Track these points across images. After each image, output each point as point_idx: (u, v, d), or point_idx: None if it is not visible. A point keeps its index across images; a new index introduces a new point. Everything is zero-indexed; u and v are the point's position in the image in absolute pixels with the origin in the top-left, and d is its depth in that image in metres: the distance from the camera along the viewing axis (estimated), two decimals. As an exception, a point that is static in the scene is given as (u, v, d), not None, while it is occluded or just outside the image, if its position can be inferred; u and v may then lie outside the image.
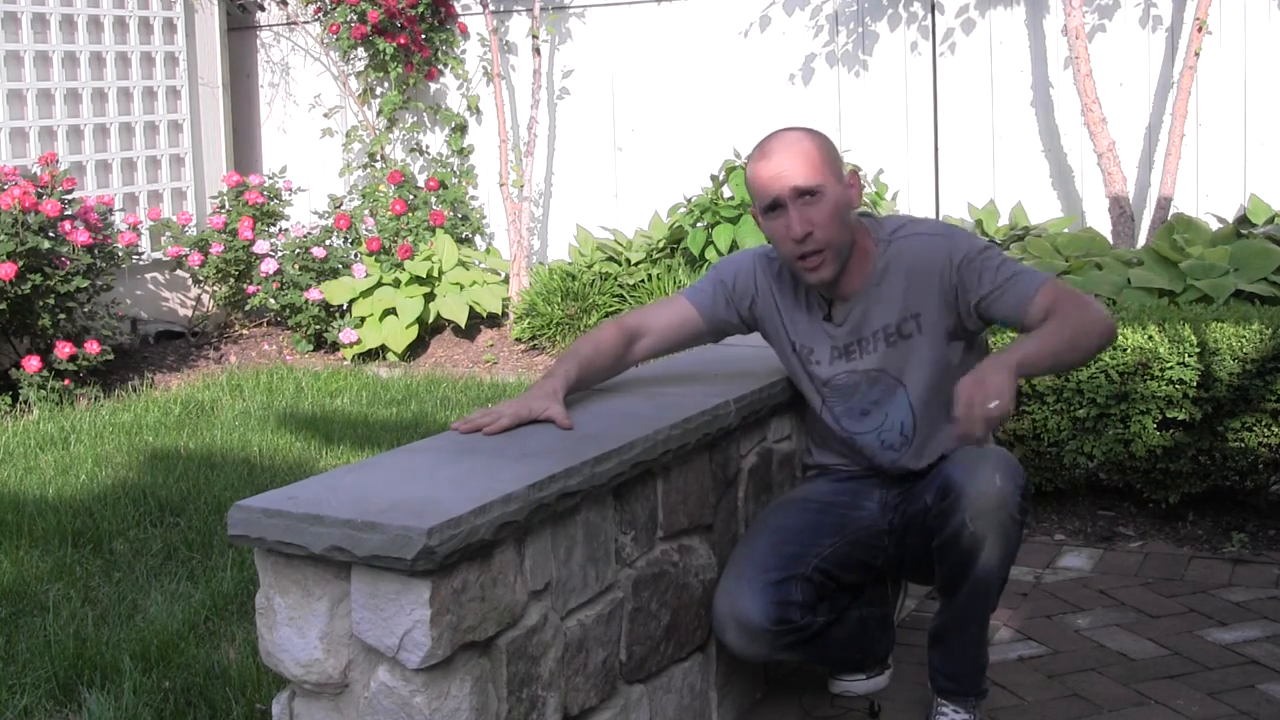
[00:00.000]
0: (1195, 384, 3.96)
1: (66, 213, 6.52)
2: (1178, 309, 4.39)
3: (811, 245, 2.72)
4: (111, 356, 6.76)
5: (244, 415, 6.06)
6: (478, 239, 8.13)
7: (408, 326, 7.32)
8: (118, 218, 7.34)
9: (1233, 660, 3.20)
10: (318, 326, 7.56)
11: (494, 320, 7.63)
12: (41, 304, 6.39)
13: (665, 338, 2.95)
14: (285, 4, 8.58)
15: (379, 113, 8.24)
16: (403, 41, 7.86)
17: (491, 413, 2.60)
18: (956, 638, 2.78)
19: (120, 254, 7.05)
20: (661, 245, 7.18)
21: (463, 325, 7.40)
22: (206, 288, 8.04)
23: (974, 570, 2.66)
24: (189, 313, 8.11)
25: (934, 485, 2.73)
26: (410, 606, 2.04)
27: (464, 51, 8.20)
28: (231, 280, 7.84)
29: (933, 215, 6.92)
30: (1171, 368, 3.97)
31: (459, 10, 8.15)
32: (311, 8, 8.28)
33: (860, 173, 2.45)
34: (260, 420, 5.95)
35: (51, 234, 6.45)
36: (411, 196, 7.93)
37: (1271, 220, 6.04)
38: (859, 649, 3.01)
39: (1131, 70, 6.63)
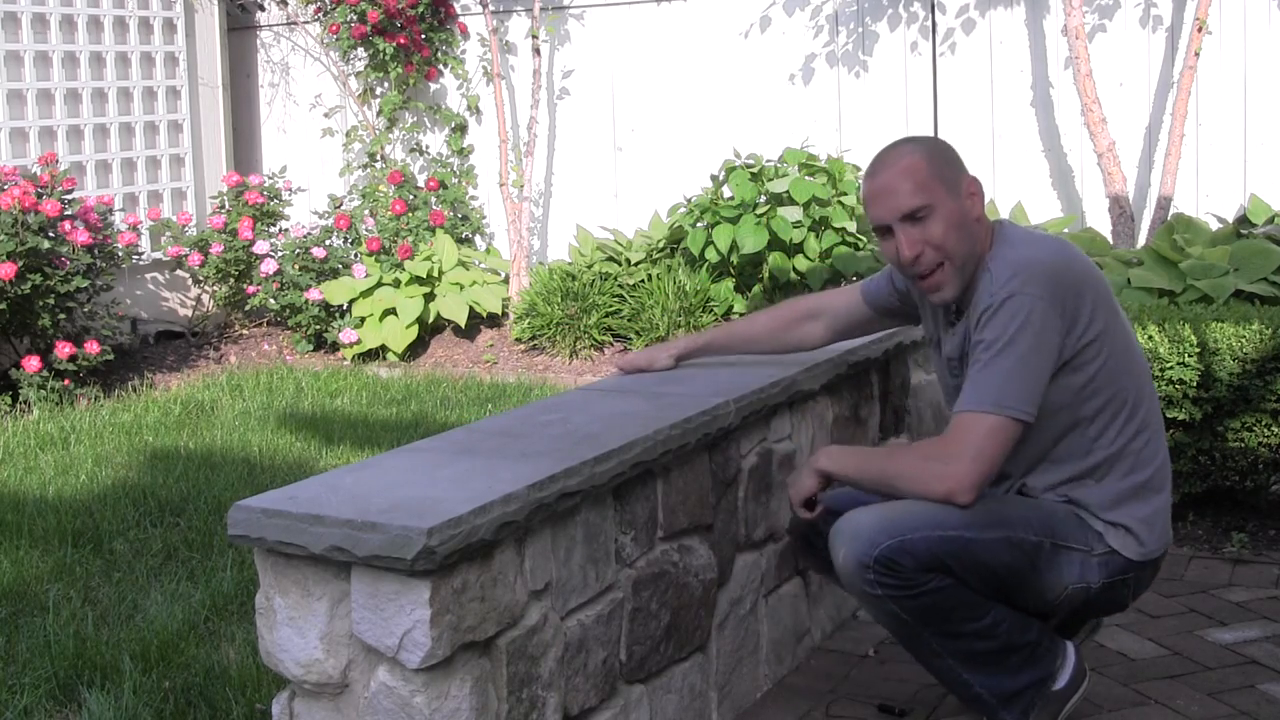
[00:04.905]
0: (1195, 384, 3.96)
1: (66, 213, 6.52)
2: (1178, 309, 4.38)
3: (923, 266, 2.60)
4: (111, 356, 6.76)
5: (244, 415, 6.06)
6: (478, 239, 8.13)
7: (408, 326, 7.32)
8: (118, 218, 7.35)
9: (1233, 660, 3.20)
10: (318, 326, 7.56)
11: (494, 320, 7.62)
12: (41, 304, 6.39)
13: (836, 320, 3.08)
14: (285, 4, 8.58)
15: (379, 113, 8.24)
16: (402, 41, 7.86)
17: (648, 354, 3.16)
18: (944, 680, 2.70)
19: (120, 254, 7.05)
20: (661, 245, 7.18)
21: (463, 325, 7.40)
22: (206, 288, 8.04)
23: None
24: (189, 313, 8.11)
25: None
26: (410, 606, 2.04)
27: (464, 51, 8.20)
28: (231, 280, 7.84)
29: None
30: (1171, 368, 3.97)
31: (459, 10, 8.15)
32: (311, 8, 8.28)
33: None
34: (260, 420, 5.94)
35: (51, 234, 6.45)
36: (411, 196, 7.93)
37: (1271, 220, 6.04)
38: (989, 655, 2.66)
39: (1131, 70, 6.63)
